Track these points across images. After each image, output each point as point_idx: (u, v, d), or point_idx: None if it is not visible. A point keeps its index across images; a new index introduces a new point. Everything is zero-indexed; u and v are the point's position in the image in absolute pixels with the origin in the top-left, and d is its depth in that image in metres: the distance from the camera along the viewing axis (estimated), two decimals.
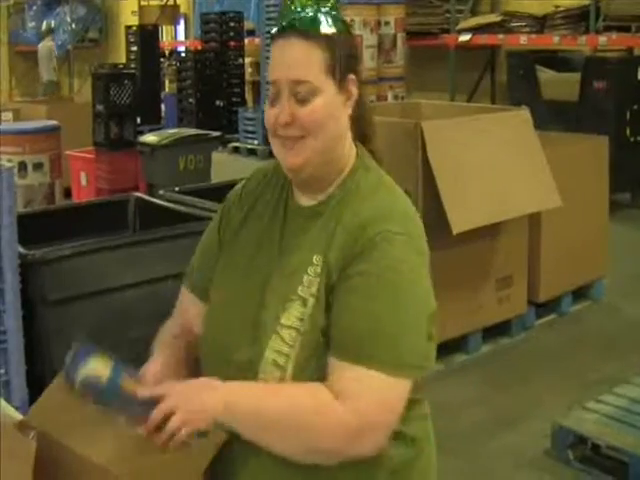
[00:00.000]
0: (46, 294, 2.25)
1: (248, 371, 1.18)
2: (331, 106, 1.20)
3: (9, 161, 4.46)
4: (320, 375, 1.15)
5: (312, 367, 1.16)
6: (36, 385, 2.16)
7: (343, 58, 1.22)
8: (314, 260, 1.20)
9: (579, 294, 4.06)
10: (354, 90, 1.23)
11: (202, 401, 1.12)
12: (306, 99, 1.18)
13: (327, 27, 1.21)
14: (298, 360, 1.16)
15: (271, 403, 1.13)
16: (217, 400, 1.12)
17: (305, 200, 1.27)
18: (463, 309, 3.44)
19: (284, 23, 1.21)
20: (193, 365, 1.30)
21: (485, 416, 3.00)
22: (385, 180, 1.26)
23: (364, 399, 1.10)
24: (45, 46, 11.27)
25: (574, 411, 2.75)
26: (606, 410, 2.69)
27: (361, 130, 1.29)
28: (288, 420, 1.12)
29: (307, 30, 1.19)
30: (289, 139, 1.20)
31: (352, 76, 1.23)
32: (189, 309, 1.35)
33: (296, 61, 1.18)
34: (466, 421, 2.96)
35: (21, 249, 2.23)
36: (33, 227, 2.84)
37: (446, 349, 3.44)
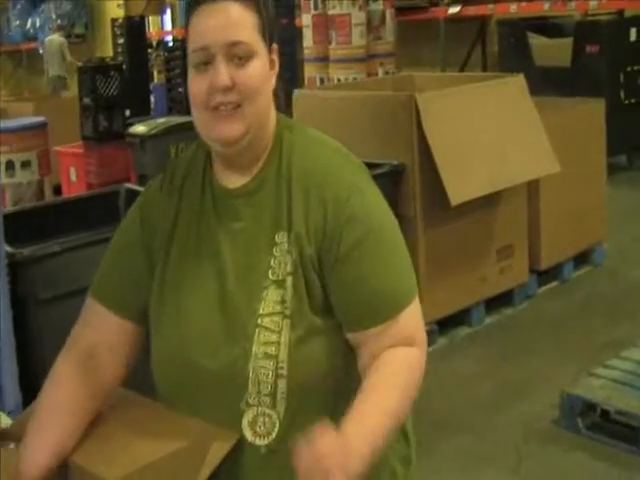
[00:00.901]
0: (37, 293, 2.19)
1: (231, 374, 1.10)
2: (266, 71, 1.14)
3: None
4: (319, 352, 1.10)
5: (309, 346, 1.10)
6: (30, 387, 2.11)
7: (269, 24, 1.16)
8: (276, 239, 1.13)
9: (580, 260, 4.02)
10: (276, 60, 1.18)
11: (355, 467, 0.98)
12: (244, 62, 1.11)
13: None
14: (290, 343, 1.10)
15: (385, 407, 1.07)
16: (362, 456, 1.00)
17: (233, 181, 1.18)
18: (465, 282, 3.39)
19: None
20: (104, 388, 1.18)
21: (492, 389, 2.96)
22: (310, 131, 1.22)
23: (419, 333, 1.15)
24: (55, 40, 11.17)
25: (582, 378, 2.71)
26: (614, 375, 2.65)
27: (276, 102, 1.22)
28: (404, 401, 1.10)
29: None
30: (224, 110, 1.11)
31: (275, 45, 1.17)
32: (104, 325, 1.21)
33: (231, 22, 1.11)
34: (472, 395, 2.91)
35: (9, 248, 2.17)
36: (23, 225, 2.78)
37: (449, 323, 3.40)
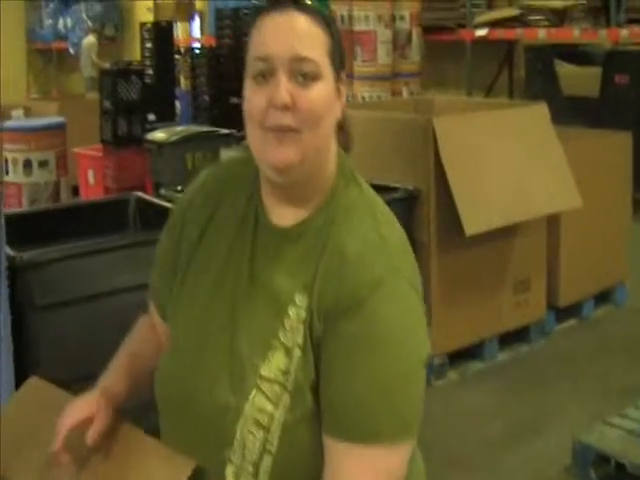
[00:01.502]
0: (35, 299, 2.14)
1: (220, 420, 1.01)
2: (330, 98, 1.02)
3: (14, 159, 4.40)
4: (312, 440, 0.99)
5: (303, 431, 0.99)
6: None
7: (338, 47, 1.05)
8: (297, 300, 1.01)
9: (600, 298, 3.90)
10: (344, 90, 1.06)
11: None
12: (308, 82, 0.99)
13: (322, 8, 1.04)
14: (285, 423, 0.99)
15: None
16: None
17: (277, 215, 1.07)
18: (478, 315, 3.30)
19: None
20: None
21: (502, 428, 2.86)
22: (365, 193, 1.08)
23: None
24: (87, 41, 11.31)
25: (596, 426, 2.60)
26: (631, 426, 2.54)
27: (343, 139, 1.11)
28: None
29: (306, 4, 1.03)
30: (280, 132, 0.99)
31: (343, 74, 1.06)
32: (156, 322, 1.22)
33: (301, 35, 1.00)
34: (482, 433, 2.82)
35: (10, 251, 2.12)
36: (32, 228, 2.76)
37: (461, 357, 3.31)
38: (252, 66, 1.02)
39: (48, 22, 13.55)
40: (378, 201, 1.10)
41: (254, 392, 1.00)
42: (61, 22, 13.20)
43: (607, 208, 3.84)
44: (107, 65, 10.63)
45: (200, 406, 1.04)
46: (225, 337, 1.05)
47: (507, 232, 3.31)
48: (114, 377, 1.17)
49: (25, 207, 4.32)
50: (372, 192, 1.10)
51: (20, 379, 2.14)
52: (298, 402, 1.00)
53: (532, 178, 3.28)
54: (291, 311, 1.01)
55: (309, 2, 1.03)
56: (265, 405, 1.00)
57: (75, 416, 1.09)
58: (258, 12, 1.04)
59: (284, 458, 0.99)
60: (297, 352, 1.00)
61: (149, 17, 11.97)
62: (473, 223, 3.00)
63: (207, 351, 1.06)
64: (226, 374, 1.03)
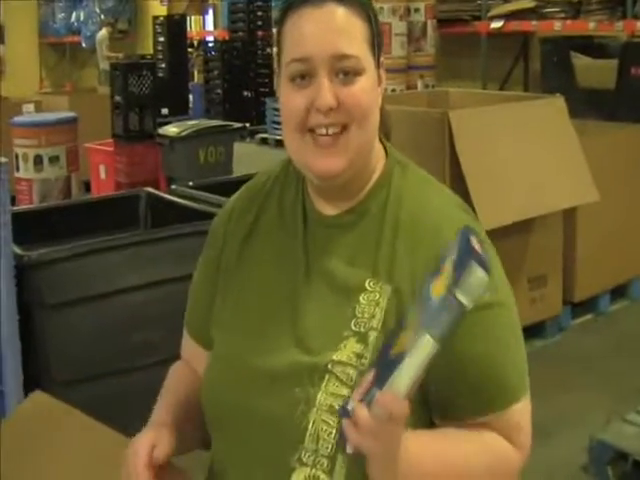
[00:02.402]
0: (43, 298, 2.12)
1: (287, 420, 0.94)
2: (375, 90, 0.98)
3: (25, 154, 4.38)
4: None
5: None
6: None
7: (379, 34, 0.99)
8: (367, 285, 0.97)
9: (616, 293, 3.84)
10: (384, 75, 1.01)
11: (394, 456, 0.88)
12: (351, 78, 0.94)
13: None
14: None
15: (449, 461, 0.96)
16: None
17: (327, 209, 1.02)
18: None
19: None
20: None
21: None
22: (426, 175, 1.06)
23: (521, 436, 1.01)
24: (100, 35, 11.31)
25: (613, 423, 2.55)
26: None
27: (385, 125, 1.06)
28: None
29: None
30: (327, 135, 0.94)
31: (383, 59, 1.00)
32: (193, 357, 1.13)
33: (339, 30, 0.94)
34: None
35: (17, 250, 2.10)
36: (42, 224, 2.74)
37: None
38: (289, 68, 0.96)
39: (61, 16, 13.57)
40: (441, 185, 1.07)
41: (327, 377, 0.94)
42: (74, 16, 13.21)
43: (623, 202, 3.78)
44: (120, 56, 10.68)
45: (262, 409, 0.97)
46: (287, 337, 0.99)
47: (523, 227, 3.26)
48: (164, 421, 1.05)
49: (36, 203, 4.31)
50: (431, 177, 1.07)
51: (29, 379, 2.12)
52: None
53: (548, 172, 3.22)
54: (362, 298, 0.97)
55: None
56: (340, 389, 0.94)
57: (145, 447, 0.98)
58: (289, 6, 0.97)
59: None
60: (372, 335, 0.96)
61: (162, 11, 11.96)
62: (490, 218, 2.95)
63: (266, 353, 0.99)
64: (290, 371, 0.97)
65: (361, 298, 0.97)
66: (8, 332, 2.02)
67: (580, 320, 3.68)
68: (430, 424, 0.99)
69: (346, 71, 0.94)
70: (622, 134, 4.02)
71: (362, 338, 0.95)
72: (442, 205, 1.01)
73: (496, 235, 3.01)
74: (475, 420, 0.97)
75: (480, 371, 0.96)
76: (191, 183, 3.11)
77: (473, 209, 3.23)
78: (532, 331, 3.45)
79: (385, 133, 1.07)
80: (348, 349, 0.95)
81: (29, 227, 2.63)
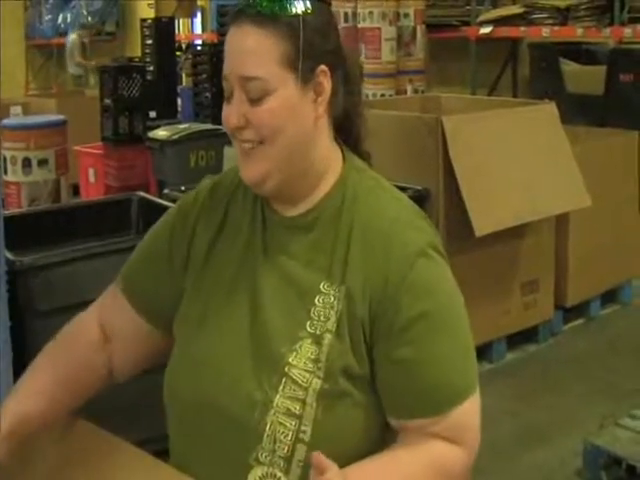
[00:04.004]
0: (36, 304, 2.09)
1: (246, 420, 0.98)
2: (291, 106, 1.02)
3: (13, 157, 4.33)
4: (352, 425, 0.98)
5: (338, 416, 0.97)
6: None
7: (310, 46, 1.00)
8: (321, 287, 1.01)
9: (607, 297, 3.87)
10: (326, 83, 1.03)
11: None
12: (258, 99, 1.01)
13: (290, 7, 1.00)
14: (317, 409, 0.97)
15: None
16: None
17: (285, 209, 1.08)
18: (487, 315, 3.25)
19: (239, 7, 1.03)
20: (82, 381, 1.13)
21: (511, 431, 2.82)
22: (382, 181, 1.10)
23: (469, 434, 1.06)
24: (71, 39, 11.22)
25: (607, 428, 2.56)
26: None
27: (348, 130, 1.10)
28: None
29: (261, 15, 1.00)
30: (247, 143, 1.03)
31: (323, 67, 1.02)
32: (124, 316, 1.15)
33: (246, 54, 1.01)
34: (491, 436, 2.76)
35: (9, 255, 2.07)
36: (31, 229, 2.70)
37: None
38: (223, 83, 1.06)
39: (47, 18, 13.47)
40: (396, 190, 1.12)
41: (283, 381, 0.99)
42: (61, 18, 13.12)
43: (614, 208, 3.80)
44: (92, 63, 10.63)
45: (223, 408, 1.01)
46: (246, 335, 1.03)
47: (515, 232, 3.26)
48: (28, 396, 1.12)
49: (24, 207, 4.27)
50: (388, 183, 1.12)
51: None
52: (331, 388, 0.98)
53: (541, 178, 3.23)
54: (317, 300, 1.01)
55: (263, 9, 1.00)
56: (296, 392, 0.98)
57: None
58: (229, 25, 1.06)
59: (320, 447, 0.96)
60: (327, 338, 1.00)
61: (150, 13, 11.90)
62: (483, 224, 2.95)
63: (226, 351, 1.04)
64: (249, 371, 1.01)
65: (316, 300, 1.01)
66: (0, 339, 1.99)
67: (572, 325, 3.70)
68: (384, 425, 1.04)
69: (252, 92, 1.01)
70: (611, 140, 4.04)
71: (317, 340, 1.00)
72: (395, 212, 1.05)
73: (489, 240, 3.06)
74: (420, 422, 1.00)
75: (424, 376, 1.00)
76: (183, 187, 3.08)
77: (467, 214, 3.24)
78: (525, 336, 3.47)
79: (348, 139, 1.10)
80: (304, 351, 1.00)
81: (18, 231, 2.60)
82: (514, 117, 3.37)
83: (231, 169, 1.17)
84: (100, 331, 1.19)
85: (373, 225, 1.03)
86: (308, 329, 1.00)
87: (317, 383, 0.98)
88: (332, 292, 1.01)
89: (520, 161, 3.21)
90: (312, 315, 1.01)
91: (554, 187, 3.27)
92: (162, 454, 1.12)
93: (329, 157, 1.07)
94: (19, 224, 2.68)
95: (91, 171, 5.14)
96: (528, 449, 2.70)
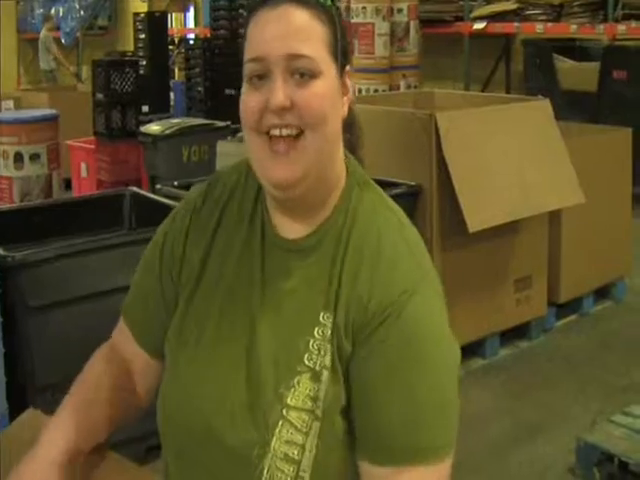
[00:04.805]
0: (27, 300, 2.07)
1: (245, 457, 0.92)
2: (333, 96, 0.95)
3: (5, 152, 4.31)
4: (344, 469, 0.92)
5: (335, 460, 0.92)
6: (17, 399, 2.00)
7: (343, 40, 0.97)
8: (321, 318, 0.94)
9: (600, 294, 3.87)
10: (349, 85, 0.98)
11: None
12: (307, 79, 0.92)
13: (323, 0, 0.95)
14: (317, 454, 0.91)
15: None
16: None
17: (287, 229, 0.99)
18: (480, 312, 3.25)
19: None
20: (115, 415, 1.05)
21: (505, 427, 2.82)
22: (383, 198, 1.01)
23: None
24: (42, 35, 11.10)
25: (599, 425, 2.56)
26: (634, 424, 2.50)
27: (349, 137, 1.03)
28: None
29: None
30: (281, 137, 0.91)
31: (348, 67, 0.98)
32: (128, 348, 1.09)
33: (295, 31, 0.92)
34: (484, 434, 2.77)
35: (0, 251, 2.05)
36: (23, 224, 2.69)
37: (462, 354, 3.25)
38: (247, 67, 0.95)
39: (39, 12, 13.39)
40: (392, 202, 1.03)
41: (280, 423, 0.92)
42: (53, 11, 13.04)
43: (607, 204, 3.80)
44: (67, 64, 10.56)
45: (219, 443, 0.94)
46: (242, 365, 0.96)
47: (509, 229, 3.26)
48: (63, 431, 1.02)
49: (16, 202, 4.24)
50: (388, 198, 1.03)
51: (12, 383, 2.08)
52: (329, 429, 0.92)
53: (535, 174, 3.23)
54: (316, 331, 0.94)
55: None
56: (295, 437, 0.91)
57: None
58: (251, 9, 0.96)
59: None
60: (325, 374, 0.92)
61: (143, 8, 11.85)
62: (476, 220, 2.95)
63: (222, 382, 0.96)
64: (246, 407, 0.94)
65: (315, 332, 0.94)
66: None
67: (564, 321, 3.70)
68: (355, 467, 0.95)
69: (301, 72, 0.92)
70: (606, 137, 4.04)
71: (315, 376, 0.93)
72: (389, 241, 0.95)
73: (483, 234, 3.05)
74: (378, 465, 0.91)
75: (390, 423, 0.91)
76: (176, 183, 3.07)
77: (460, 210, 3.22)
78: (517, 332, 3.47)
79: (350, 148, 1.03)
80: (302, 388, 0.93)
81: (10, 227, 2.59)
82: (508, 113, 3.37)
83: (220, 175, 1.07)
84: (117, 368, 1.11)
85: (365, 252, 0.95)
86: (306, 362, 0.93)
87: (316, 427, 0.92)
88: (329, 324, 0.93)
89: (513, 157, 3.20)
90: (311, 348, 0.93)
91: (548, 183, 3.26)
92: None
93: (341, 166, 1.00)
94: (10, 219, 2.67)
95: (83, 166, 5.11)
96: (521, 446, 2.70)
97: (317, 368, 0.93)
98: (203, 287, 1.01)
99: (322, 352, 0.93)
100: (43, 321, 2.07)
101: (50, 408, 1.11)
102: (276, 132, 0.92)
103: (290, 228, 0.99)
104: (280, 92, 0.91)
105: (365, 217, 0.97)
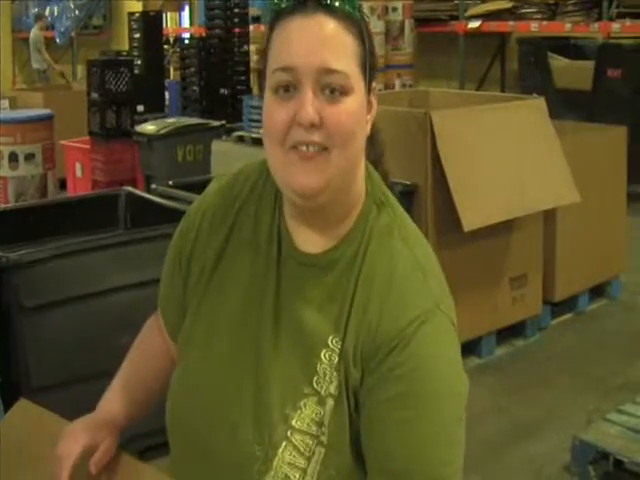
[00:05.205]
0: (22, 300, 2.06)
1: (246, 471, 0.91)
2: (362, 114, 0.91)
3: None
4: None
5: None
6: (11, 399, 1.99)
7: (372, 56, 0.92)
8: (330, 343, 0.91)
9: (595, 292, 3.87)
10: (375, 103, 0.94)
11: None
12: (337, 96, 0.87)
13: (358, 9, 0.91)
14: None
15: None
16: None
17: (304, 240, 0.95)
18: (476, 310, 3.25)
19: None
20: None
21: (501, 425, 2.82)
22: (398, 218, 0.97)
23: None
24: (33, 34, 11.05)
25: (594, 423, 2.57)
26: (629, 422, 2.50)
27: (374, 152, 1.00)
28: None
29: (336, 7, 0.88)
30: (312, 147, 0.88)
31: (375, 84, 0.94)
32: (165, 338, 1.10)
33: (328, 43, 0.87)
34: (480, 432, 2.77)
35: None
36: (18, 224, 2.68)
37: None
38: (273, 77, 0.89)
39: (34, 11, 13.37)
40: (409, 222, 0.99)
41: (284, 444, 0.90)
42: (47, 11, 13.02)
43: (602, 202, 3.80)
44: (55, 67, 10.55)
45: (223, 451, 0.93)
46: (249, 379, 0.94)
47: (504, 227, 3.26)
48: (113, 398, 1.07)
49: (11, 201, 4.24)
50: (402, 211, 1.00)
51: (7, 383, 2.07)
52: (334, 457, 0.90)
53: (530, 173, 3.23)
54: (324, 355, 0.91)
55: (338, 3, 0.89)
56: (297, 460, 0.90)
57: (79, 443, 0.98)
58: (279, 14, 0.90)
59: None
60: (330, 403, 0.90)
61: (138, 7, 11.84)
62: (471, 219, 2.95)
63: (229, 391, 0.94)
64: (250, 421, 0.92)
65: (322, 355, 0.92)
66: None
67: (559, 319, 3.70)
68: None
69: (332, 88, 0.88)
70: (601, 135, 4.04)
71: (321, 401, 0.91)
72: (402, 265, 0.93)
73: (478, 233, 3.05)
74: None
75: (396, 461, 0.89)
76: (171, 182, 3.07)
77: (455, 209, 3.22)
78: (513, 330, 3.47)
79: (373, 163, 1.01)
80: (308, 411, 0.91)
81: (4, 227, 2.58)
82: (503, 112, 3.37)
83: (240, 173, 1.04)
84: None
85: (376, 278, 0.91)
86: (314, 385, 0.91)
87: (320, 453, 0.90)
88: (337, 349, 0.91)
89: (509, 156, 3.20)
90: (318, 370, 0.91)
91: (543, 182, 3.27)
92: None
93: (362, 185, 0.96)
94: (5, 219, 2.66)
95: (78, 166, 5.10)
96: (517, 444, 2.70)
97: (323, 393, 0.91)
98: (214, 289, 0.99)
99: (328, 378, 0.91)
100: (38, 321, 2.07)
101: (44, 407, 1.11)
102: (303, 148, 0.89)
103: (307, 239, 0.95)
104: (310, 107, 0.87)
105: (379, 241, 0.94)
